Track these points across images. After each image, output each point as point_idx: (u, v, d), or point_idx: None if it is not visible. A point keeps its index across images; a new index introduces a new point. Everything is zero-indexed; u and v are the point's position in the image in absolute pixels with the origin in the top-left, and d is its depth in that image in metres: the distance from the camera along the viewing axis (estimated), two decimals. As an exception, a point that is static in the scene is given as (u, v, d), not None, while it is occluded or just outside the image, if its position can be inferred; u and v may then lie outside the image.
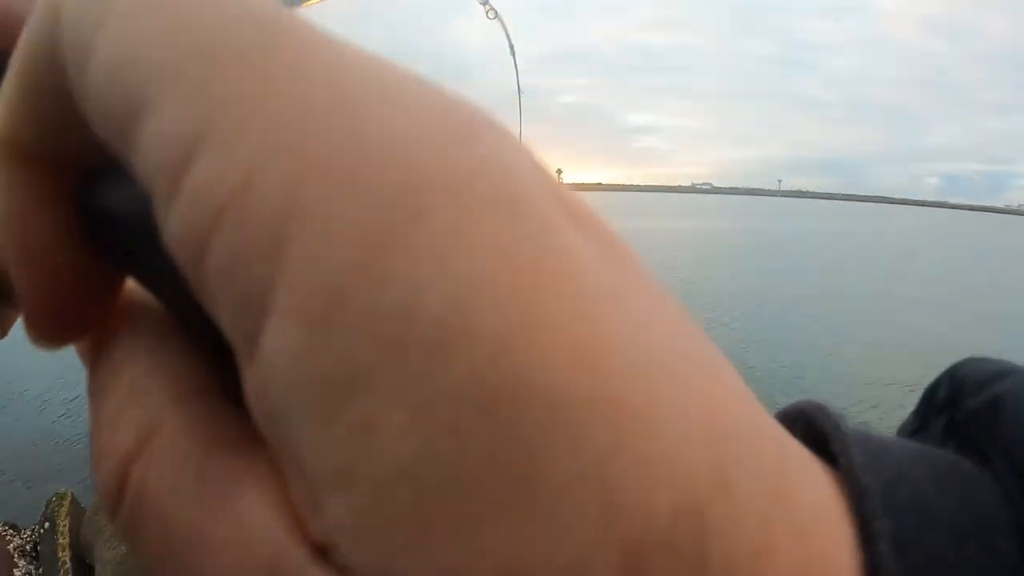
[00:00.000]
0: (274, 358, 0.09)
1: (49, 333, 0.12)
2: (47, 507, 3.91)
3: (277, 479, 0.10)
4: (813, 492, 0.10)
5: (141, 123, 0.09)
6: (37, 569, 3.64)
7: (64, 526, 3.80)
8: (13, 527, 3.92)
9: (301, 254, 0.08)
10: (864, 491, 0.10)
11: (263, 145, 0.09)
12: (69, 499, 4.00)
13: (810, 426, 0.11)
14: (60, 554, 3.69)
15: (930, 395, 0.13)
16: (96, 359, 0.12)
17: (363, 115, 0.09)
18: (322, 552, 0.09)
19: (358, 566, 0.09)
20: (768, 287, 12.16)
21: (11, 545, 3.78)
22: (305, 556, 0.09)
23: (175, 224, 0.09)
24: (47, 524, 3.80)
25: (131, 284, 0.12)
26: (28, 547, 3.81)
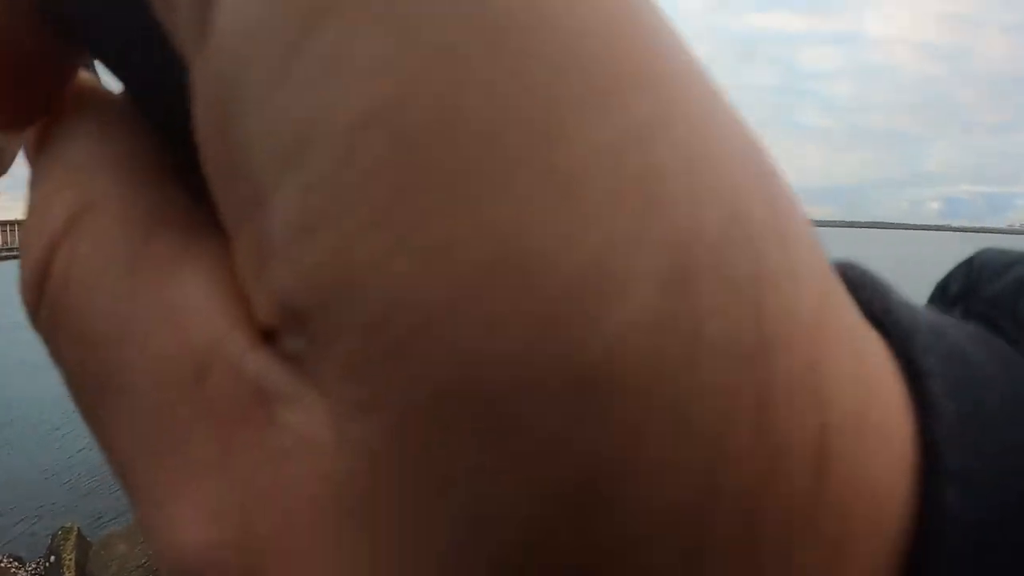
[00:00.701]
0: (232, 8, 0.07)
1: None
2: (53, 540, 3.96)
3: (221, 258, 0.09)
4: (853, 311, 0.08)
5: None
6: (43, 602, 3.70)
7: (70, 560, 3.85)
8: (18, 560, 3.96)
9: None
10: (907, 329, 0.09)
11: None
12: (75, 533, 4.05)
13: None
14: (65, 587, 3.75)
15: (943, 289, 0.12)
16: (39, 149, 0.11)
17: None
18: (266, 338, 0.08)
19: (306, 279, 0.07)
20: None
21: (17, 578, 3.84)
22: (245, 341, 0.08)
23: None
24: (52, 558, 3.85)
25: (82, 76, 0.12)
26: (34, 580, 3.87)
